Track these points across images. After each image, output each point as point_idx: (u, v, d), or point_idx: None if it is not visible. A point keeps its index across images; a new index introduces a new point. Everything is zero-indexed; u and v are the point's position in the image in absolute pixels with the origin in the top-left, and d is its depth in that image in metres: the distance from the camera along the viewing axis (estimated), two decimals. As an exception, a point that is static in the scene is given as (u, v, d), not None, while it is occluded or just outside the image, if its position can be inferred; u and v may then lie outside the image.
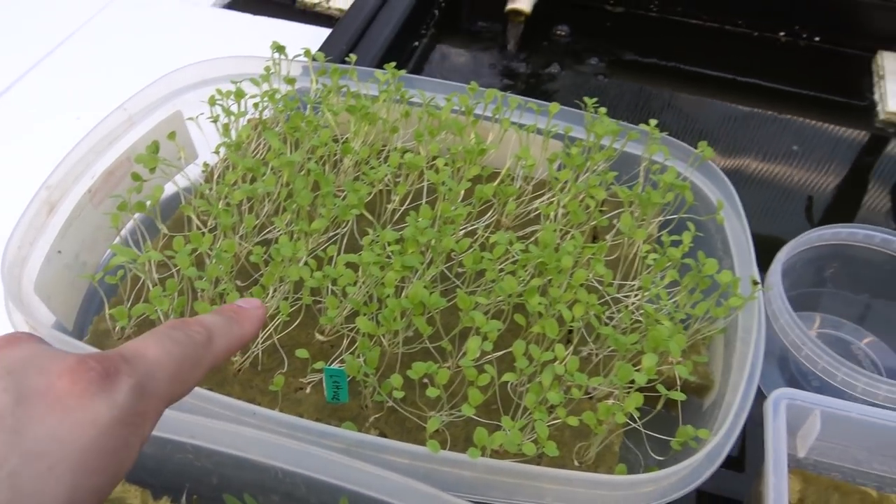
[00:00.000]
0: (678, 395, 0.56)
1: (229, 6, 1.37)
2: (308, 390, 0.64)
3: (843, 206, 1.08)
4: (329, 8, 1.34)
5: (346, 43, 1.12)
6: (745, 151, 1.15)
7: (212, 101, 0.78)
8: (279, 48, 0.82)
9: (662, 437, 0.61)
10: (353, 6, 1.21)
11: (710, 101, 1.24)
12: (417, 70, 1.25)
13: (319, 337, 0.67)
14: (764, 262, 0.70)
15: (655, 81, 1.28)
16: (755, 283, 0.63)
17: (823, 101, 1.25)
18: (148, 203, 0.71)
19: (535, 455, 0.54)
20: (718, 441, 0.54)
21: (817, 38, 1.31)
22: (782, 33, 1.32)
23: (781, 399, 0.58)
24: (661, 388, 0.56)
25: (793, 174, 1.12)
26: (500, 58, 1.28)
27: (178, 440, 0.56)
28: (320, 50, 1.08)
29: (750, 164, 1.13)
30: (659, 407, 0.58)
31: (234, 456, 0.55)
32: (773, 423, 0.56)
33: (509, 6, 1.29)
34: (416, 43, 1.29)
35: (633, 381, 0.56)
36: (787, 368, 0.74)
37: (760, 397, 0.61)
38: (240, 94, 0.78)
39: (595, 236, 0.77)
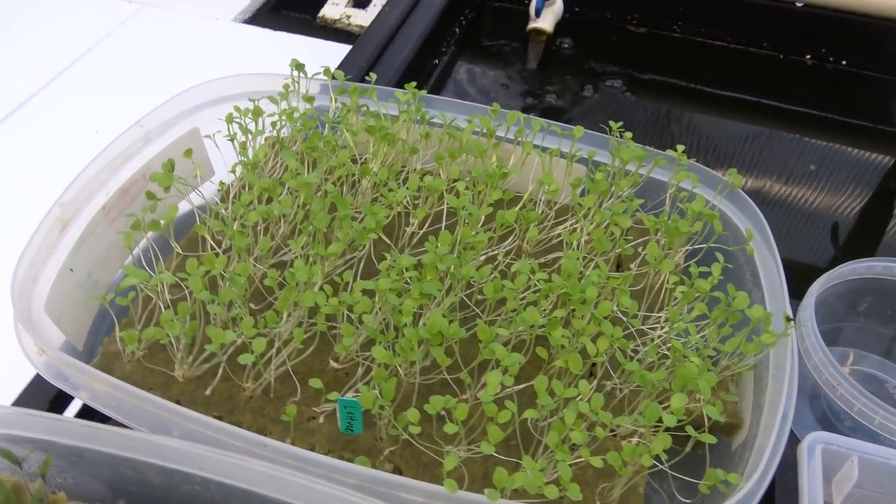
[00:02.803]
0: (709, 438, 0.53)
1: (250, 21, 1.36)
2: (321, 420, 0.62)
3: (868, 233, 1.05)
4: (350, 24, 1.33)
5: (366, 60, 1.11)
6: (768, 174, 1.12)
7: (229, 119, 0.76)
8: (298, 66, 0.81)
9: (689, 479, 0.58)
10: (373, 23, 1.20)
11: (733, 123, 1.22)
12: (437, 88, 1.24)
13: (333, 364, 0.65)
14: (788, 289, 0.67)
15: (678, 102, 1.26)
16: (788, 319, 0.61)
17: (849, 125, 1.22)
18: (162, 222, 0.69)
19: (556, 497, 0.52)
20: (751, 488, 0.52)
21: (844, 62, 1.28)
22: (808, 56, 1.29)
23: (817, 443, 0.55)
24: (690, 430, 0.53)
25: (816, 198, 1.09)
26: (520, 76, 1.27)
27: (187, 471, 0.54)
28: (340, 67, 1.07)
29: (773, 187, 1.10)
30: (688, 449, 0.55)
31: (243, 490, 0.53)
32: (808, 469, 0.53)
33: (531, 25, 1.27)
34: (437, 61, 1.28)
35: (660, 421, 0.54)
36: (818, 406, 0.71)
37: (791, 437, 0.58)
38: (257, 113, 0.77)
39: (619, 264, 0.75)
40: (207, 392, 0.63)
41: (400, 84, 1.08)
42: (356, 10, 1.35)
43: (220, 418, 0.60)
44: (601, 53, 1.31)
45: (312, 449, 0.59)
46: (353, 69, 1.07)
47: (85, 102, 1.15)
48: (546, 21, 1.26)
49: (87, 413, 0.68)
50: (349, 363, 0.65)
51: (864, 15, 1.22)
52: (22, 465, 0.52)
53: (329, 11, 1.36)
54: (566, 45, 1.31)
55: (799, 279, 0.73)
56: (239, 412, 0.62)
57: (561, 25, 1.30)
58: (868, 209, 1.09)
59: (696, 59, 1.32)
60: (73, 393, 0.59)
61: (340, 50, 1.22)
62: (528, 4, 1.28)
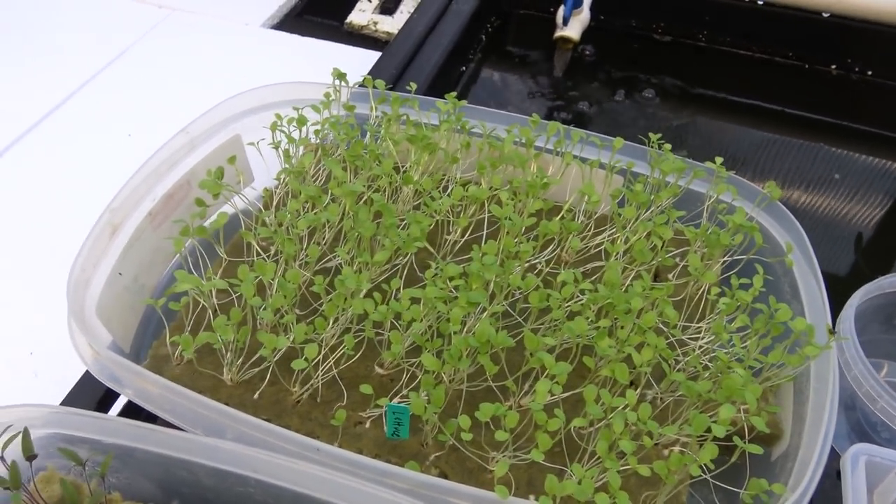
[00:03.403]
0: (756, 449, 0.54)
1: (278, 27, 1.38)
2: (367, 425, 0.63)
3: (893, 243, 1.06)
4: (377, 31, 1.34)
5: (396, 67, 1.13)
6: (792, 183, 1.13)
7: (273, 127, 0.78)
8: (340, 75, 0.82)
9: (731, 488, 0.59)
10: (402, 31, 1.21)
11: (757, 132, 1.23)
12: (464, 95, 1.25)
13: (379, 370, 0.66)
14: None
15: (703, 111, 1.26)
16: (831, 332, 0.61)
17: (874, 135, 1.23)
18: (208, 225, 0.70)
19: (605, 504, 0.53)
20: (795, 499, 0.53)
21: (870, 72, 1.29)
22: (833, 66, 1.30)
23: (860, 455, 0.56)
24: (738, 440, 0.54)
25: (841, 208, 1.10)
26: (546, 84, 1.28)
27: (241, 473, 0.55)
28: (371, 73, 1.08)
29: (797, 196, 1.11)
30: (734, 459, 0.56)
31: (296, 493, 0.54)
32: (851, 481, 0.54)
33: (558, 33, 1.28)
34: (464, 68, 1.29)
35: (707, 431, 0.55)
36: (853, 417, 0.71)
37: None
38: (302, 121, 0.78)
39: (656, 275, 0.75)
40: (255, 396, 0.64)
41: (430, 91, 1.09)
42: (383, 17, 1.37)
43: (268, 422, 0.61)
44: (626, 62, 1.32)
45: (360, 453, 0.60)
46: (384, 76, 1.08)
47: (117, 106, 1.16)
48: (573, 29, 1.27)
49: (130, 412, 0.69)
50: (394, 369, 0.66)
51: (890, 25, 1.23)
52: (85, 465, 0.53)
53: (356, 18, 1.37)
54: (588, 53, 1.32)
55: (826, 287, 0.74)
56: (287, 416, 0.63)
57: (586, 33, 1.31)
58: (893, 219, 1.09)
59: (721, 68, 1.33)
60: (126, 394, 0.61)
61: (368, 56, 1.23)
62: (556, 13, 1.29)
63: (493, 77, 1.31)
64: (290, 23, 1.40)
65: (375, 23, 1.36)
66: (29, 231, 0.96)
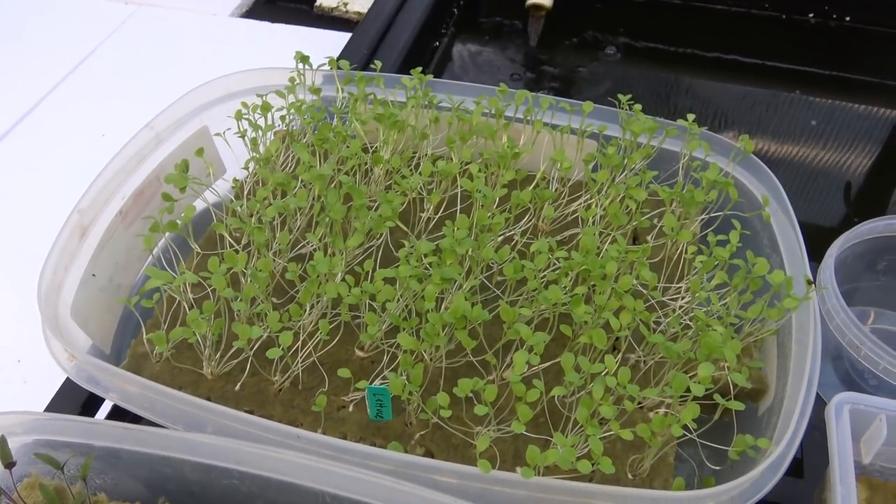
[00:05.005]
0: (737, 405, 0.54)
1: (247, 15, 1.35)
2: (350, 409, 0.63)
3: (878, 190, 1.05)
4: (347, 12, 1.32)
5: (367, 47, 1.11)
6: (775, 136, 1.12)
7: (238, 116, 0.76)
8: (303, 58, 0.81)
9: (717, 445, 0.59)
10: (371, 9, 1.19)
11: (736, 87, 1.21)
12: (440, 70, 1.24)
13: (359, 353, 0.66)
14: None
15: (680, 69, 1.25)
16: (810, 282, 0.61)
17: (855, 81, 1.21)
18: (179, 222, 0.70)
19: (589, 472, 0.53)
20: (780, 452, 0.52)
21: (847, 19, 1.27)
22: (811, 15, 1.28)
23: (844, 404, 0.55)
24: (718, 398, 0.54)
25: (824, 157, 1.09)
26: (521, 53, 1.26)
27: (224, 466, 0.55)
28: (342, 55, 1.07)
29: (780, 149, 1.10)
30: (716, 417, 0.56)
31: (281, 481, 0.54)
32: (836, 430, 0.54)
33: (530, 1, 1.26)
34: (437, 43, 1.27)
35: (687, 391, 0.54)
36: (840, 367, 0.71)
37: (816, 399, 0.58)
38: (266, 108, 0.77)
39: (635, 237, 0.75)
40: (237, 388, 0.64)
41: (403, 69, 1.08)
42: (353, -3, 1.35)
43: (250, 413, 0.60)
44: (602, 24, 1.30)
45: (344, 437, 0.60)
46: (355, 57, 1.07)
47: (90, 106, 1.15)
48: (545, -4, 1.25)
49: (118, 414, 0.69)
50: (374, 351, 0.65)
51: (866, -31, 1.21)
52: (64, 468, 0.53)
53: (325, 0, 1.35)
54: (565, 18, 1.30)
55: (810, 239, 0.73)
56: (269, 406, 0.63)
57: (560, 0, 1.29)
58: (877, 166, 1.08)
59: (698, 24, 1.31)
60: (105, 395, 0.60)
61: (340, 38, 1.21)
62: (526, -20, 1.27)
63: (468, 51, 1.29)
64: (258, 10, 1.38)
65: (346, 3, 1.33)
66: (10, 238, 0.95)
